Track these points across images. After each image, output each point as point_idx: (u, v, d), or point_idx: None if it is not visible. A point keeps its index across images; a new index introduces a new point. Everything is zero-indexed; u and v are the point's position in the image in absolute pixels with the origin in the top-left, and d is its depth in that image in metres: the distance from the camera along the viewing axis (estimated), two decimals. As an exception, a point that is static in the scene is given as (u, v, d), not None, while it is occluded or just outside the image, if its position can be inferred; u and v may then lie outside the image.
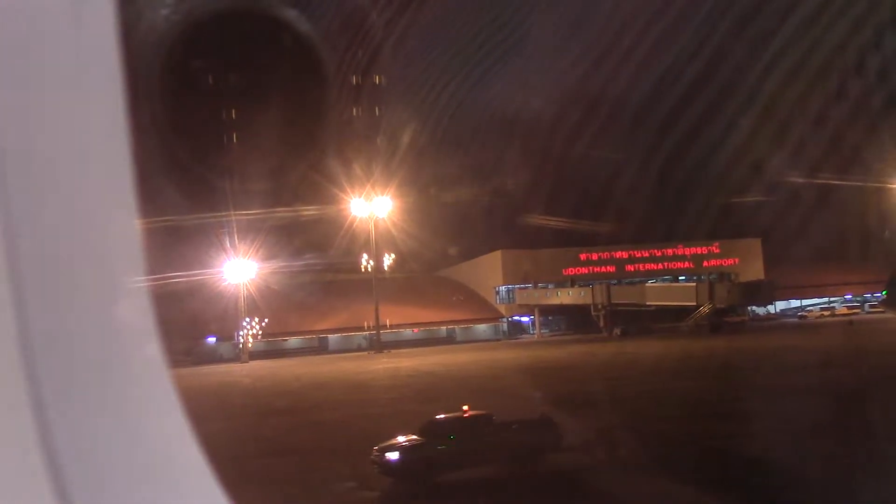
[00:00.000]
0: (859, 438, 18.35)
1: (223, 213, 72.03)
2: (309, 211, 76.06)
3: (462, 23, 73.09)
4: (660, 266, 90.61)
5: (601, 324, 79.00)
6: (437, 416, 20.48)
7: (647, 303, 76.90)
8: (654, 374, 38.49)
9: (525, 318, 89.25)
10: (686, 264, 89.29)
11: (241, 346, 76.18)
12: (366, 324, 79.36)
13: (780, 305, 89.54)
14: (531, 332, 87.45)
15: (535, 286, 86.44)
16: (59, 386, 2.42)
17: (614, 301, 78.96)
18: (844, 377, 30.35)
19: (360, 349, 78.75)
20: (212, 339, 77.06)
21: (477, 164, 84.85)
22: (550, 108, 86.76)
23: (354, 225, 77.33)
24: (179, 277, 57.67)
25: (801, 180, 72.18)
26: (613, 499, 16.73)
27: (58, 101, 2.50)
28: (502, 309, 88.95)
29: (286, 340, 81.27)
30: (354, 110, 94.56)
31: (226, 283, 74.29)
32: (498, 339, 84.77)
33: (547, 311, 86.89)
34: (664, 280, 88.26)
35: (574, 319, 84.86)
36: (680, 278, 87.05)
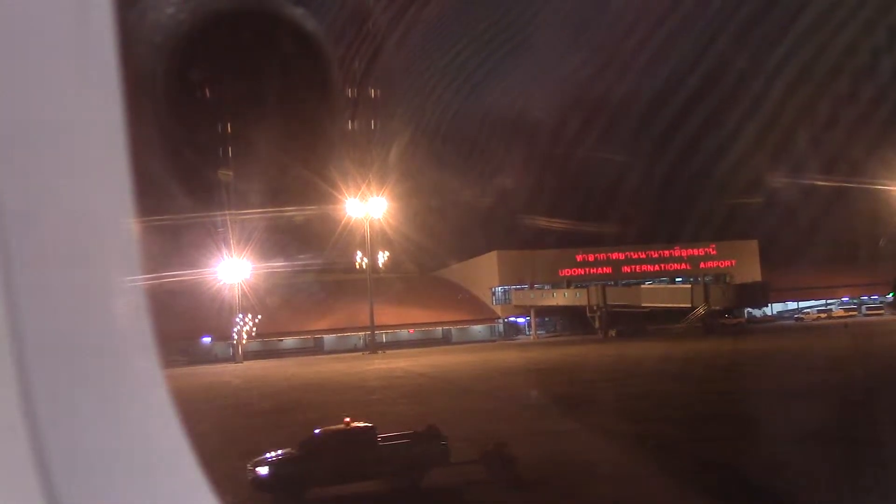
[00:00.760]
0: (821, 443, 18.30)
1: (221, 213, 72.16)
2: (305, 211, 76.09)
3: (454, 23, 72.99)
4: (656, 267, 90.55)
5: (597, 325, 79.12)
6: (316, 430, 19.58)
7: (643, 304, 76.98)
8: (637, 377, 38.60)
9: (521, 320, 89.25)
10: (683, 266, 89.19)
11: (235, 346, 76.25)
12: (362, 324, 79.40)
13: (778, 307, 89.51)
14: (527, 333, 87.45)
15: (532, 287, 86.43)
16: (53, 386, 2.41)
17: (610, 302, 79.01)
18: (828, 381, 30.34)
19: (356, 349, 78.83)
20: (207, 339, 77.14)
21: (474, 165, 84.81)
22: (547, 110, 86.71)
23: (350, 225, 77.35)
24: (174, 277, 57.72)
25: (799, 182, 72.07)
26: None
27: (55, 99, 2.50)
28: (498, 310, 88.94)
29: (282, 341, 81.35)
30: (353, 111, 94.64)
31: (221, 283, 74.31)
32: (493, 340, 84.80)
33: (543, 313, 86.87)
34: (661, 281, 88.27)
35: (570, 321, 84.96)
36: (677, 280, 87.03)
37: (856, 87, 60.73)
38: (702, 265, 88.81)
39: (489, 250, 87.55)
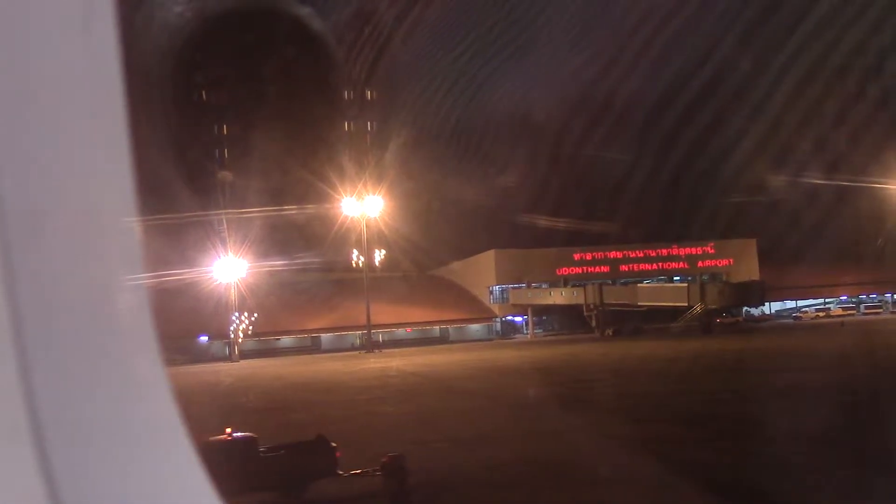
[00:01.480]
0: (792, 441, 18.23)
1: (219, 212, 72.36)
2: (303, 210, 76.19)
3: (449, 24, 72.97)
4: (654, 266, 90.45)
5: (593, 324, 79.11)
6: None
7: (640, 303, 76.99)
8: (624, 377, 38.61)
9: (518, 318, 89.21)
10: (680, 265, 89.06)
11: (231, 345, 76.31)
12: (359, 323, 79.43)
13: (776, 306, 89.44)
14: (524, 331, 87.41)
15: (529, 286, 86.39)
16: (55, 384, 2.41)
17: (607, 301, 79.05)
18: (819, 380, 30.25)
19: (353, 348, 78.87)
20: (204, 338, 77.19)
21: (472, 164, 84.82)
22: (545, 109, 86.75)
23: (348, 224, 77.42)
24: (172, 275, 57.77)
25: (798, 181, 72.11)
26: None
27: (58, 98, 2.50)
28: (496, 308, 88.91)
29: (279, 339, 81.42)
30: (352, 111, 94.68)
31: (218, 281, 74.38)
32: (491, 339, 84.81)
33: (540, 311, 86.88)
34: (659, 280, 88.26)
35: (567, 319, 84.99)
36: (675, 279, 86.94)
37: (855, 87, 60.74)
38: (700, 264, 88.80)
39: (487, 249, 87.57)
